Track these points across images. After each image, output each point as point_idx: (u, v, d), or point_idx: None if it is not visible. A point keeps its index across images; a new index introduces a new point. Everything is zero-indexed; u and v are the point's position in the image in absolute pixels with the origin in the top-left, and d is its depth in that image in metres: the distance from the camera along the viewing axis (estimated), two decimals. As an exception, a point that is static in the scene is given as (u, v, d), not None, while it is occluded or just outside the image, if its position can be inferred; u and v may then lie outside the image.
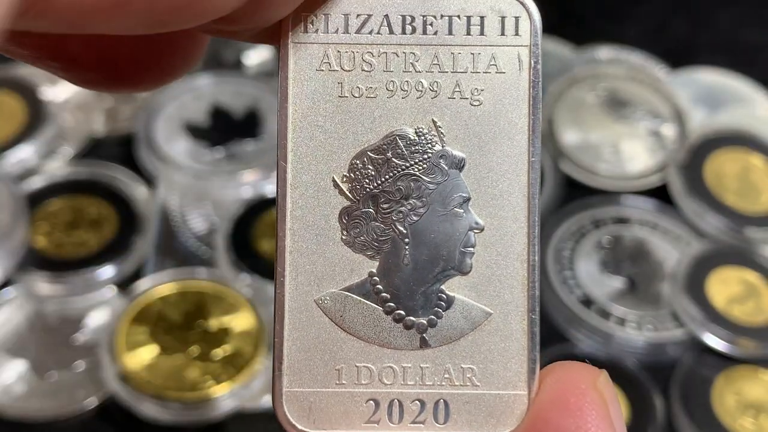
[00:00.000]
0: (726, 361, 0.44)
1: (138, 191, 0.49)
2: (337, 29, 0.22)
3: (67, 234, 0.48)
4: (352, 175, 0.22)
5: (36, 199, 0.49)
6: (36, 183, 0.49)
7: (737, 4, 0.62)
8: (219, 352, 0.43)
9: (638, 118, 0.54)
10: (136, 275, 0.46)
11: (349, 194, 0.22)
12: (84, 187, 0.50)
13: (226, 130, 0.52)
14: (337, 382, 0.22)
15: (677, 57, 0.58)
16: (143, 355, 0.42)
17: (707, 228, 0.49)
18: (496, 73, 0.22)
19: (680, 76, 0.57)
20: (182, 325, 0.44)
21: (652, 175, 0.51)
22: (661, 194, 0.51)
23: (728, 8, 0.62)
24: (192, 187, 0.50)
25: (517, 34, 0.22)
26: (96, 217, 0.48)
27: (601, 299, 0.46)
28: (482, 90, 0.22)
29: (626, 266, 0.48)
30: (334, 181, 0.22)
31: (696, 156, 0.51)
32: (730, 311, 0.45)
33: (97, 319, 0.45)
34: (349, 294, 0.22)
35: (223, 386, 0.41)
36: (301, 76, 0.22)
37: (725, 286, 0.46)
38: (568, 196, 0.51)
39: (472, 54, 0.22)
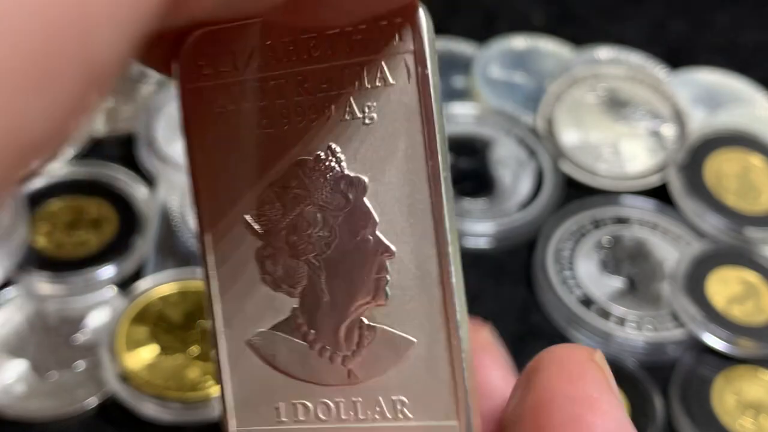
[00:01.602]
0: (725, 360, 0.44)
1: (138, 191, 0.49)
2: (228, 68, 0.21)
3: (67, 234, 0.48)
4: (261, 212, 0.21)
5: (36, 199, 0.48)
6: (36, 183, 0.49)
7: (737, 4, 0.62)
8: (219, 352, 0.43)
9: (638, 118, 0.54)
10: (137, 275, 0.46)
11: (260, 233, 0.21)
12: (84, 187, 0.50)
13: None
14: (278, 419, 0.22)
15: (677, 57, 0.58)
16: (143, 355, 0.42)
17: (707, 228, 0.49)
18: (386, 85, 0.20)
19: (680, 76, 0.57)
20: (182, 325, 0.44)
21: (652, 175, 0.51)
22: (661, 194, 0.51)
23: (728, 8, 0.62)
24: (192, 187, 0.50)
25: (400, 39, 0.19)
26: (96, 217, 0.48)
27: (601, 299, 0.46)
28: (374, 106, 0.20)
29: (626, 266, 0.48)
30: (245, 221, 0.21)
31: (696, 156, 0.51)
32: (729, 311, 0.45)
33: (97, 319, 0.45)
34: (277, 332, 0.21)
35: (223, 386, 0.41)
36: (201, 120, 0.21)
37: (725, 286, 0.46)
38: (568, 196, 0.51)
39: (360, 68, 0.20)
